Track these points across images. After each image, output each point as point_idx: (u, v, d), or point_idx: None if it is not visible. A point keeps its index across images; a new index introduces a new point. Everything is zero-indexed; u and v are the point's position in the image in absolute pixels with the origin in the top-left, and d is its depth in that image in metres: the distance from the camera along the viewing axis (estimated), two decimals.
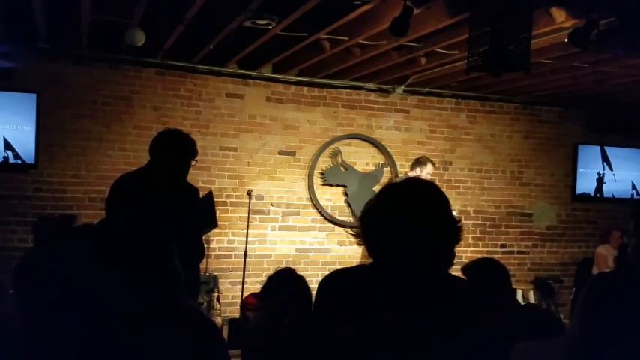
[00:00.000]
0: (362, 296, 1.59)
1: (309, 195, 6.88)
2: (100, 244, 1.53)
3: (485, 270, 3.05)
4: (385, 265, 1.60)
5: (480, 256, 6.55)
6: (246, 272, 6.26)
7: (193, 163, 3.63)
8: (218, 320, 5.86)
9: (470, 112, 7.49)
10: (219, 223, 6.56)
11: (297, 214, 6.86)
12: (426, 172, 6.31)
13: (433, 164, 6.47)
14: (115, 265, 1.48)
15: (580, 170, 7.77)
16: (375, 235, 1.62)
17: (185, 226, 3.09)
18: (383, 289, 1.57)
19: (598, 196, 7.88)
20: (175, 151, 3.56)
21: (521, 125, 7.69)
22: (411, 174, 6.39)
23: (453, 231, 1.61)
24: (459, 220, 1.64)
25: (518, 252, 7.60)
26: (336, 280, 1.69)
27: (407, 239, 1.56)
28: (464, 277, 3.05)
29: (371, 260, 1.64)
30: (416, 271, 1.57)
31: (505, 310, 2.95)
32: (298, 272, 3.45)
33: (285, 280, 3.33)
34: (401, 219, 1.57)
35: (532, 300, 7.11)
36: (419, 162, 6.46)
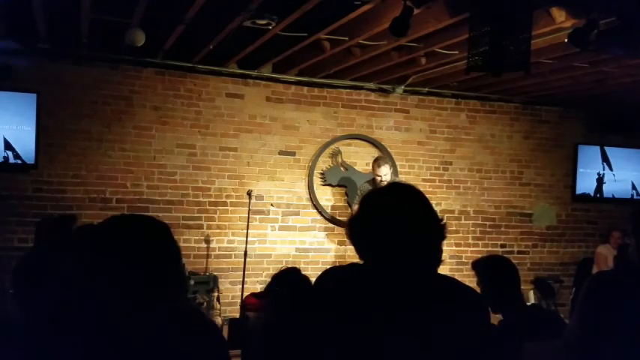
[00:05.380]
0: (357, 295, 1.60)
1: (309, 195, 6.88)
2: (100, 244, 1.53)
3: (497, 268, 3.05)
4: (377, 265, 1.62)
5: (479, 256, 6.55)
6: (246, 272, 6.26)
7: None
8: (218, 320, 5.86)
9: (470, 112, 7.49)
10: (219, 223, 6.61)
11: (297, 214, 6.86)
12: (381, 173, 6.10)
13: (385, 164, 6.21)
14: (115, 265, 1.48)
15: (580, 170, 7.77)
16: (364, 238, 1.65)
17: None
18: (377, 288, 1.59)
19: (598, 196, 7.88)
20: None
21: (521, 125, 7.69)
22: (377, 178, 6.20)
23: (438, 228, 1.65)
24: (442, 219, 1.67)
25: (518, 252, 7.60)
26: (331, 279, 1.71)
27: (395, 240, 1.60)
28: (475, 273, 3.07)
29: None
30: (407, 270, 1.59)
31: (512, 310, 2.95)
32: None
33: (289, 280, 3.33)
34: (387, 221, 1.62)
35: (532, 300, 7.11)
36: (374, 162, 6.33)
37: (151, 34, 4.98)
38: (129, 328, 1.46)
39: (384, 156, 6.69)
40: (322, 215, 6.92)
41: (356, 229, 1.67)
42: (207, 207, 6.52)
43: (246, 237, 6.32)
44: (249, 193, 6.33)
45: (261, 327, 3.27)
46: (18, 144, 5.77)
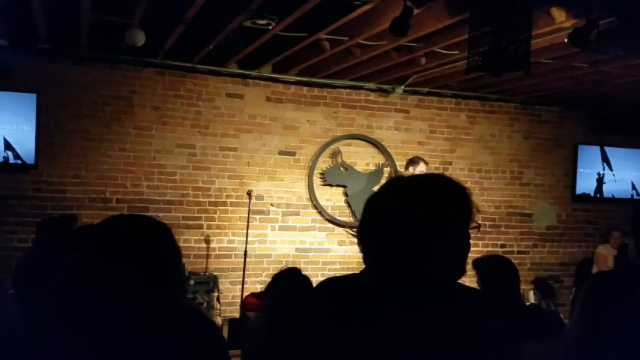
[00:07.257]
0: (357, 296, 1.58)
1: (309, 195, 6.88)
2: (100, 245, 1.53)
3: (497, 268, 3.05)
4: (377, 266, 1.58)
5: (479, 256, 6.55)
6: (246, 272, 6.26)
7: None
8: (218, 320, 5.86)
9: (470, 112, 7.49)
10: (219, 223, 6.61)
11: (297, 214, 6.86)
12: (419, 171, 6.25)
13: (426, 163, 6.38)
14: (115, 265, 1.48)
15: (580, 170, 7.77)
16: (366, 240, 1.58)
17: None
18: (378, 289, 1.56)
19: (598, 196, 7.88)
20: None
21: (521, 125, 7.69)
22: (406, 174, 6.37)
23: (441, 228, 1.51)
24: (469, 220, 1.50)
25: (518, 252, 7.60)
26: (332, 280, 1.69)
27: (394, 240, 1.51)
28: (475, 272, 3.06)
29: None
30: (407, 270, 1.55)
31: (512, 310, 2.95)
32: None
33: (290, 280, 3.34)
34: (385, 220, 1.52)
35: (532, 300, 7.11)
36: (412, 161, 6.41)
37: (151, 34, 4.98)
38: (129, 328, 1.46)
39: (418, 156, 6.59)
40: (322, 215, 6.92)
41: (360, 231, 1.63)
42: (207, 207, 6.52)
43: (246, 237, 6.32)
44: (249, 193, 6.33)
45: (261, 327, 3.27)
46: (18, 144, 5.77)
